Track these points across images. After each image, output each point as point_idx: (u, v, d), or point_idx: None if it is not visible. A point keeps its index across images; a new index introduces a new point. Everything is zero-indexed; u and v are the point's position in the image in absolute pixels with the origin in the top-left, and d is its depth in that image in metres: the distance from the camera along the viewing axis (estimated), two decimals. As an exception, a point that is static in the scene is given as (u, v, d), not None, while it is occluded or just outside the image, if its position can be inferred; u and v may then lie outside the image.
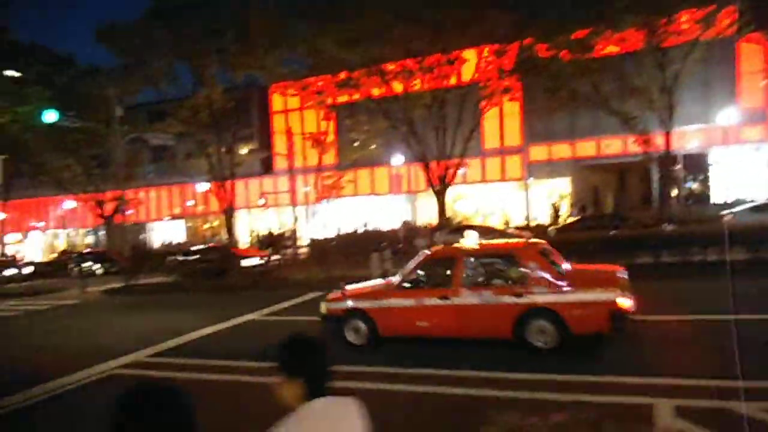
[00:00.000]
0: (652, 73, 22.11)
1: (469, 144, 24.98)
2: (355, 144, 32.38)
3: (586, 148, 29.18)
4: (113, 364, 8.35)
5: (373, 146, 29.13)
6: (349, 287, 8.75)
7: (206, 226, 41.98)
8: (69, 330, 12.43)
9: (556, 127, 29.14)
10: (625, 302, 6.68)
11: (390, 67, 24.33)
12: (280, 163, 37.42)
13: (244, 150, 34.17)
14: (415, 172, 32.98)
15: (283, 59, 24.78)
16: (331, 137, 31.63)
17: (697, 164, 25.13)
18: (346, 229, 32.32)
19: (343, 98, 28.79)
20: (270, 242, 29.09)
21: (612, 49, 22.66)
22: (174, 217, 41.19)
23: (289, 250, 29.89)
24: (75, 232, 44.70)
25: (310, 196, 34.76)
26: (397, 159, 29.22)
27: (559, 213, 27.96)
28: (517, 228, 24.53)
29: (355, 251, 22.45)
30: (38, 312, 15.82)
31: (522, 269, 7.20)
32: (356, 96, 26.63)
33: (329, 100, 27.81)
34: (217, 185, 30.93)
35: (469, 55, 24.86)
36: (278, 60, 24.61)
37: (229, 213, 31.04)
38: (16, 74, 18.81)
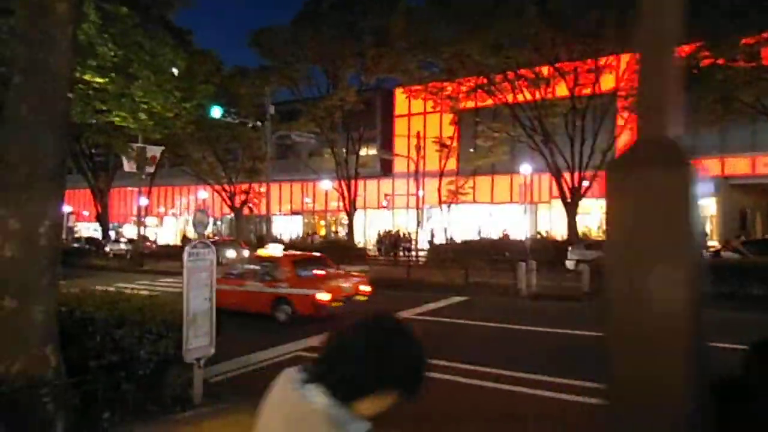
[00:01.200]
0: None
1: (605, 156, 23.81)
2: (471, 150, 32.07)
3: (739, 165, 26.69)
4: (294, 347, 8.88)
5: (501, 153, 28.66)
6: None
7: (322, 222, 43.64)
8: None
9: (703, 142, 26.93)
10: (323, 296, 10.86)
11: (528, 73, 23.78)
12: (399, 165, 37.96)
13: (370, 151, 35.05)
14: (538, 183, 32.05)
15: (420, 63, 25.03)
16: (454, 142, 31.60)
17: None
18: (464, 234, 32.08)
19: (470, 103, 28.67)
20: (394, 243, 29.56)
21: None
22: (293, 212, 43.18)
23: (410, 252, 30.22)
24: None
25: (428, 200, 34.94)
26: (523, 168, 28.51)
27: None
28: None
29: (481, 257, 22.24)
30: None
31: (278, 272, 11.69)
32: (489, 101, 26.36)
33: (460, 105, 27.80)
34: (340, 184, 32.04)
35: (615, 62, 23.70)
36: (417, 64, 24.91)
37: (351, 211, 32.00)
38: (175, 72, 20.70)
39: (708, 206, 28.08)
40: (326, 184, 34.33)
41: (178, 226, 50.02)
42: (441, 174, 29.51)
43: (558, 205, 32.10)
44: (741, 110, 22.37)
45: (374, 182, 38.64)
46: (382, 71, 28.50)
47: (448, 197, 29.21)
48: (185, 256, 6.09)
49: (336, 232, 41.47)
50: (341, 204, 36.55)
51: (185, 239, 39.57)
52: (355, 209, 32.71)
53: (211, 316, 6.38)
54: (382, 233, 34.63)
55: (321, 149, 38.88)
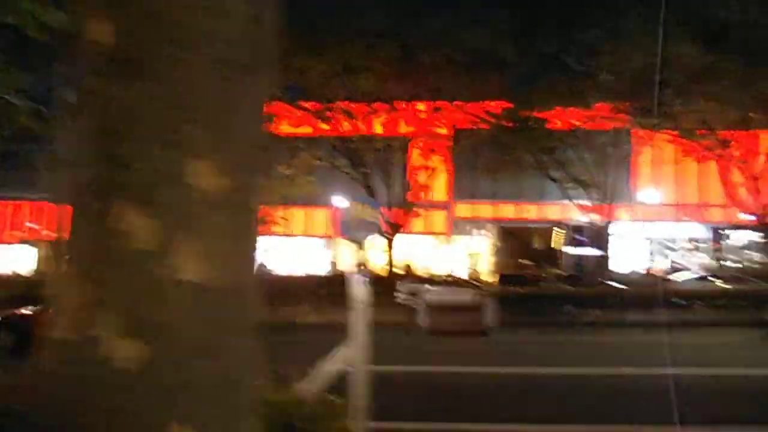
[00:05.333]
0: (576, 152, 24.72)
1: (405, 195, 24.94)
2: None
3: (507, 210, 31.22)
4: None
5: (306, 184, 27.20)
6: None
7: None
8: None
9: (482, 188, 30.87)
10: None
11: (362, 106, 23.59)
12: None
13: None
14: (334, 217, 31.64)
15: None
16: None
17: (599, 236, 28.11)
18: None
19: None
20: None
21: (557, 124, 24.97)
22: (22, 241, 32.92)
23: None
24: None
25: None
26: (336, 200, 27.74)
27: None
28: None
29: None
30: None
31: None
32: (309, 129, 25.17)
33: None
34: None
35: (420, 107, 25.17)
36: None
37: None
38: None
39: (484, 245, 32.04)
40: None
41: None
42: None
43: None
44: (516, 163, 26.25)
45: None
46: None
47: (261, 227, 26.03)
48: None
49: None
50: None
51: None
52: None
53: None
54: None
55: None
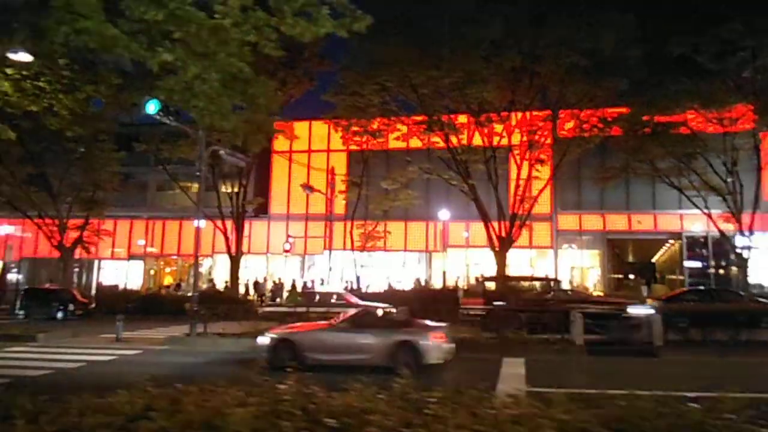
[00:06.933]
0: (707, 157, 22.74)
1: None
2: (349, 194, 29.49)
3: (616, 221, 29.59)
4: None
5: (411, 198, 27.00)
6: None
7: (168, 270, 36.10)
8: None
9: (588, 199, 29.49)
10: None
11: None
12: (275, 207, 33.64)
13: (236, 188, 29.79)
14: (434, 231, 31.26)
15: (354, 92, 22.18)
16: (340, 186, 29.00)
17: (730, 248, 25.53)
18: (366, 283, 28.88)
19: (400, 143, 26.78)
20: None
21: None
22: (130, 257, 34.88)
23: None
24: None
25: (313, 248, 31.49)
26: (441, 214, 27.36)
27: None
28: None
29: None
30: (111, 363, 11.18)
31: None
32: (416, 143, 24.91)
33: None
34: (223, 224, 26.79)
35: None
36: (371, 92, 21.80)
37: (237, 256, 26.78)
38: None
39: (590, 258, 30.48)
40: (199, 224, 28.20)
41: None
42: (352, 217, 26.53)
43: (451, 253, 31.65)
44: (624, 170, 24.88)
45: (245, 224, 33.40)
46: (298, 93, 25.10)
47: (361, 243, 26.19)
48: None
49: (182, 281, 34.58)
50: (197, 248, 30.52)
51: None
52: (241, 254, 27.48)
53: None
54: (276, 281, 29.88)
55: (172, 184, 32.29)
